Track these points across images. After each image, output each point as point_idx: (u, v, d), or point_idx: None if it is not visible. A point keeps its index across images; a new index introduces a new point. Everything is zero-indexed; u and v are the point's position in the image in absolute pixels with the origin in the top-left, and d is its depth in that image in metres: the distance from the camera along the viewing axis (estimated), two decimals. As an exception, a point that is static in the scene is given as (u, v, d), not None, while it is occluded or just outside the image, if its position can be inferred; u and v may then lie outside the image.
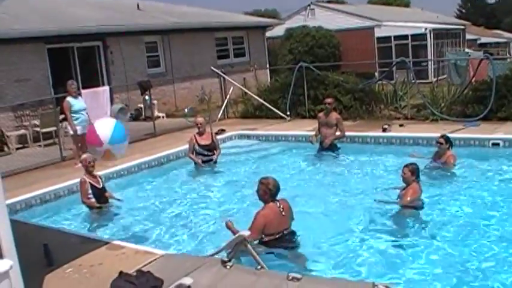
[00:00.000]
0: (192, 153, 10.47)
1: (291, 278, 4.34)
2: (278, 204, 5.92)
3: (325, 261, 5.86)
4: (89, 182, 8.08)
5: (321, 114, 10.97)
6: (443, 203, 7.53)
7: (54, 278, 5.53)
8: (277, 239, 5.80)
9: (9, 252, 4.08)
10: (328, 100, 10.93)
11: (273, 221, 5.79)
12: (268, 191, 5.92)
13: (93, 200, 8.07)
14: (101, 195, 8.19)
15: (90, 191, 8.07)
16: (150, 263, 5.05)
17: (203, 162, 10.39)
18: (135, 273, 4.79)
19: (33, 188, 9.17)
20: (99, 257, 5.99)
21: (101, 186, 8.28)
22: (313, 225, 7.01)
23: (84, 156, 8.37)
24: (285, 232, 5.89)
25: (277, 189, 5.95)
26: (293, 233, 6.02)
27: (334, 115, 10.75)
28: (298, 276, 4.36)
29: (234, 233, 5.99)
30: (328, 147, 10.60)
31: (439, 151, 8.98)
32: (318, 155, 10.71)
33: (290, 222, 6.00)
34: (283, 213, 5.87)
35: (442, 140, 8.92)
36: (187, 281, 4.07)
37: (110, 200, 8.34)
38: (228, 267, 4.71)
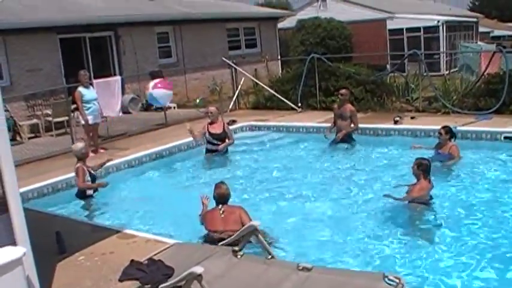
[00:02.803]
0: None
1: (301, 267, 4.36)
2: (220, 207, 6.15)
3: (334, 254, 5.86)
4: (87, 170, 8.39)
5: (335, 106, 10.99)
6: (452, 197, 7.48)
7: (66, 265, 5.60)
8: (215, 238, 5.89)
9: (22, 239, 4.14)
10: (342, 91, 10.91)
11: (207, 220, 6.21)
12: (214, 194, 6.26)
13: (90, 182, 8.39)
14: (93, 181, 8.48)
15: (89, 178, 8.37)
16: (161, 251, 5.08)
17: (209, 151, 10.45)
18: (146, 262, 4.82)
19: (45, 176, 9.25)
20: (111, 245, 6.04)
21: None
22: (322, 217, 7.02)
23: (81, 145, 8.71)
24: (221, 235, 5.85)
25: (219, 197, 6.20)
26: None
27: (349, 107, 10.72)
28: (309, 266, 4.37)
29: None
30: (342, 139, 10.59)
31: (440, 142, 8.98)
32: (329, 146, 10.70)
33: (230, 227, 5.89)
34: (222, 215, 6.04)
35: (442, 131, 8.91)
36: (198, 270, 4.08)
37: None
38: (238, 256, 4.73)
